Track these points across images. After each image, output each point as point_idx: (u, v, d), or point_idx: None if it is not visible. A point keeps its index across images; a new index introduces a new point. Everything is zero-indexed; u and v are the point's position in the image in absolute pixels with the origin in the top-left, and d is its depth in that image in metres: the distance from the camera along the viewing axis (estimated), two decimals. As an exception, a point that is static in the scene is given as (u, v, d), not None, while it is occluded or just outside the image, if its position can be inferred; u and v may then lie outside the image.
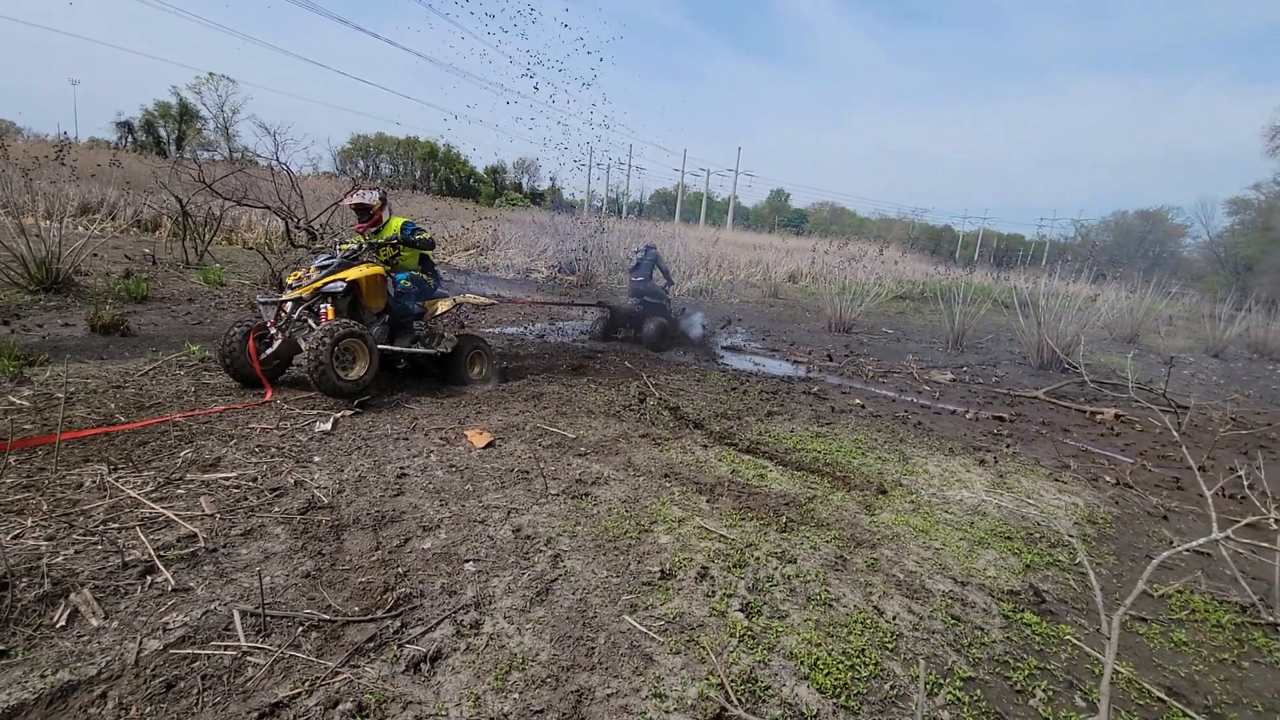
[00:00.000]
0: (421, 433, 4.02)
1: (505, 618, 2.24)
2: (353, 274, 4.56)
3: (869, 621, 2.45)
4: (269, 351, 4.42)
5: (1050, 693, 2.19)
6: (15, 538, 2.35)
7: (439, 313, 5.30)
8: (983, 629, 2.53)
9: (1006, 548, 3.27)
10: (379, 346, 4.64)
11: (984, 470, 4.51)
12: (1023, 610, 2.69)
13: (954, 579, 2.88)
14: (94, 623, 1.95)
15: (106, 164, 12.72)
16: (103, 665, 1.79)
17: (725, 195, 63.68)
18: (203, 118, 46.79)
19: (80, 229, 10.25)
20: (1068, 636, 2.54)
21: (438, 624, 2.16)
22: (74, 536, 2.39)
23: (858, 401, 6.25)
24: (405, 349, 4.93)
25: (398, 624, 2.13)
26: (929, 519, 3.51)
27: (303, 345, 4.27)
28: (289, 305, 4.45)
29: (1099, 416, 6.69)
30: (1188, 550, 3.23)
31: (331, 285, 4.47)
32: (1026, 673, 2.27)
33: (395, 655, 1.98)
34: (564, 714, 1.83)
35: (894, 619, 2.50)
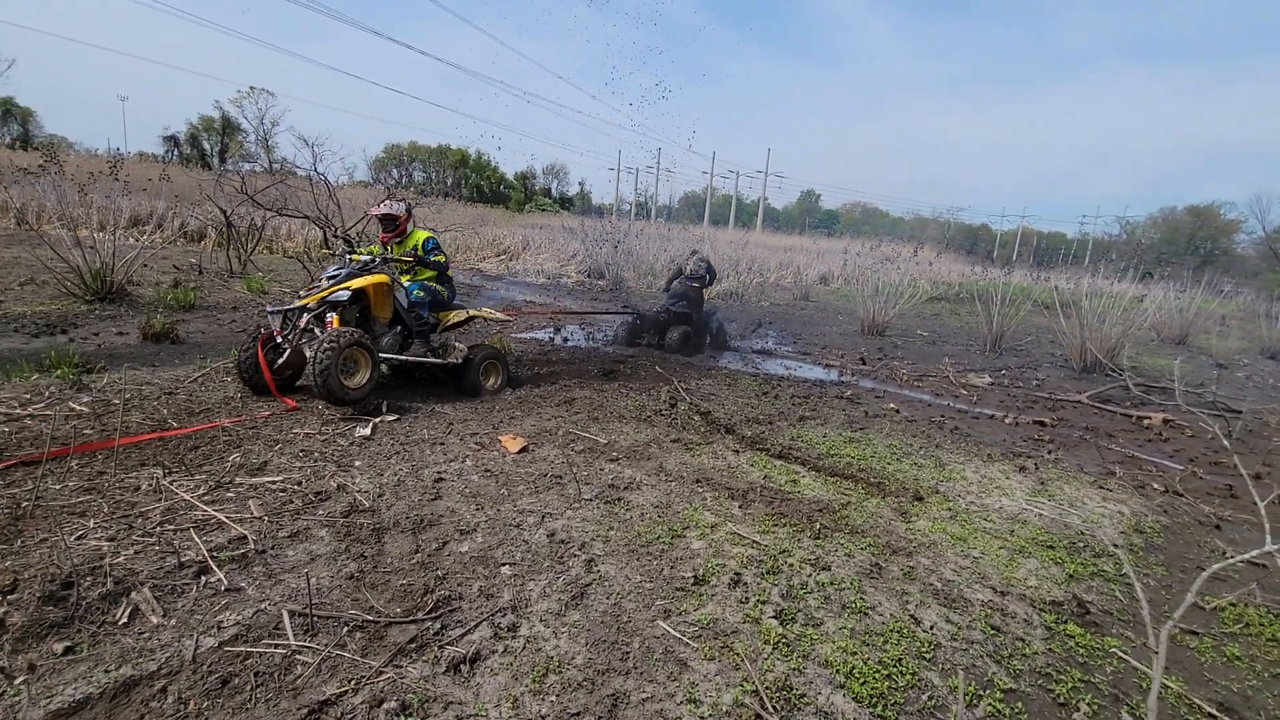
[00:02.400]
0: (457, 438, 4.10)
1: (541, 621, 2.28)
2: (358, 283, 4.61)
3: (906, 630, 2.42)
4: (280, 361, 4.50)
5: (1095, 707, 2.14)
6: (79, 538, 2.48)
7: (451, 324, 5.38)
8: (1024, 640, 2.48)
9: (1048, 557, 3.20)
10: (391, 356, 4.74)
11: (1024, 477, 4.41)
12: (1066, 622, 2.63)
13: (993, 588, 2.83)
14: (154, 620, 2.04)
15: (156, 178, 13.24)
16: (162, 661, 1.88)
17: (755, 197, 63.39)
18: (244, 131, 48.41)
19: (131, 240, 10.71)
20: (1113, 649, 2.48)
21: (476, 626, 2.21)
22: (133, 537, 2.51)
23: (892, 406, 6.17)
24: (416, 358, 4.96)
25: (438, 625, 2.19)
26: (967, 527, 3.45)
27: (306, 354, 4.30)
28: (296, 315, 4.52)
29: (1146, 421, 6.47)
30: (1241, 561, 3.12)
31: (337, 294, 4.52)
32: (1070, 686, 2.22)
33: (436, 656, 2.03)
34: (600, 717, 1.85)
35: (931, 628, 2.46)
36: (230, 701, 1.77)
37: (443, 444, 3.97)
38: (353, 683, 1.88)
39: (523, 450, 3.96)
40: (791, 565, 2.82)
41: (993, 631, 2.50)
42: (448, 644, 2.10)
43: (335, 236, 11.65)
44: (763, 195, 58.32)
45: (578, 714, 1.86)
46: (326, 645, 2.02)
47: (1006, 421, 6.06)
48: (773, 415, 5.38)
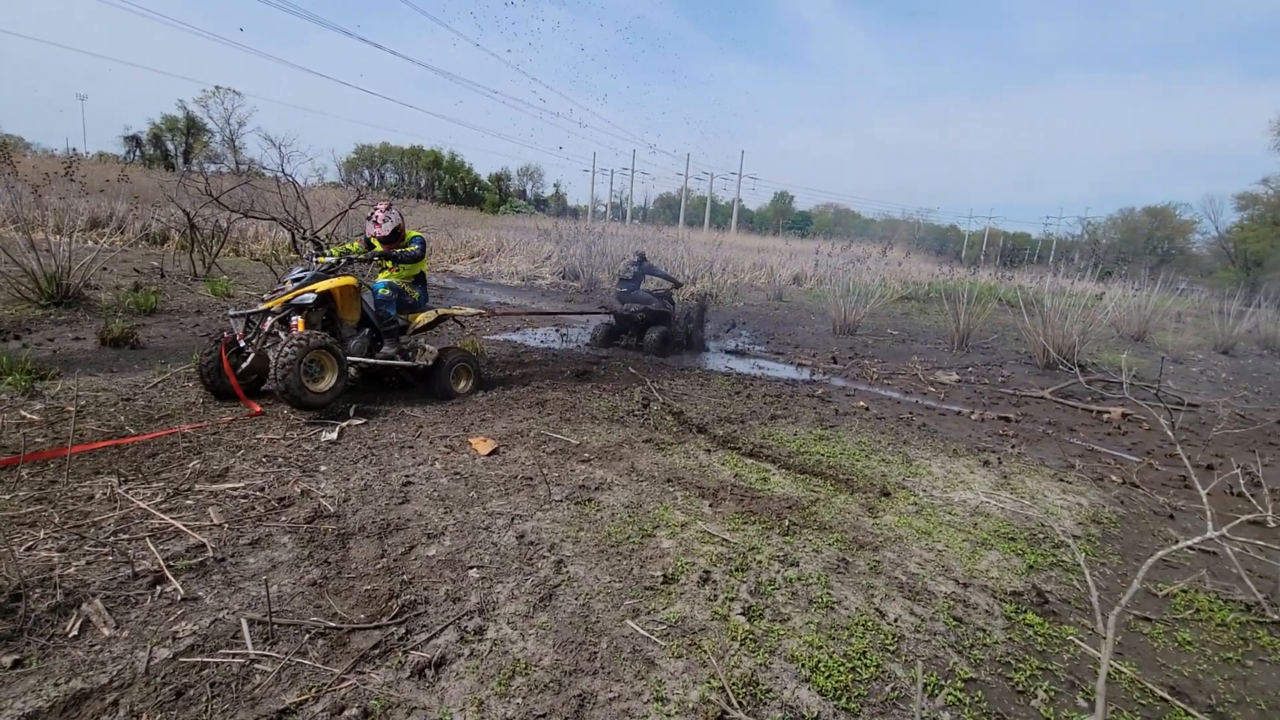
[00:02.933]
0: (426, 441, 4.06)
1: (509, 623, 2.27)
2: (324, 286, 4.52)
3: (871, 624, 2.46)
4: (244, 366, 4.41)
5: (1052, 693, 2.20)
6: (28, 549, 2.40)
7: (420, 326, 5.29)
8: (985, 630, 2.53)
9: (1009, 549, 3.28)
10: (359, 359, 4.65)
11: (988, 471, 4.51)
12: (1025, 611, 2.69)
13: (956, 580, 2.89)
14: (105, 632, 1.98)
15: (115, 178, 12.86)
16: (114, 673, 1.82)
17: (729, 199, 63.82)
18: (209, 131, 47.27)
19: (90, 243, 10.38)
20: (1070, 637, 2.55)
21: (442, 630, 2.19)
22: (85, 548, 2.44)
23: (862, 404, 6.26)
24: (384, 360, 4.87)
25: (403, 631, 2.16)
26: (932, 521, 3.51)
27: (270, 358, 4.20)
28: (260, 318, 4.42)
29: (1106, 416, 6.66)
30: (1189, 549, 3.23)
31: (302, 297, 4.42)
32: (1028, 673, 2.28)
33: (400, 661, 2.01)
34: (566, 718, 1.85)
35: (896, 621, 2.51)
36: (185, 713, 1.73)
37: (412, 447, 3.92)
38: (313, 690, 1.85)
39: (493, 453, 3.93)
40: (760, 562, 2.84)
41: (955, 622, 2.55)
42: (412, 649, 2.08)
43: (304, 239, 11.46)
44: (737, 197, 58.74)
45: (544, 715, 1.86)
46: (286, 654, 1.98)
47: (973, 418, 6.19)
48: (745, 414, 5.42)
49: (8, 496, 2.79)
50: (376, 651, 2.05)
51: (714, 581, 2.66)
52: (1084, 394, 7.70)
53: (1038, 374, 9.00)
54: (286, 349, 3.99)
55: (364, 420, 4.32)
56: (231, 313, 4.46)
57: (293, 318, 4.41)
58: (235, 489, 3.09)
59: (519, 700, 1.91)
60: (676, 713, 1.91)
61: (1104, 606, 2.80)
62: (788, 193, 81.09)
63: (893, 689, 2.12)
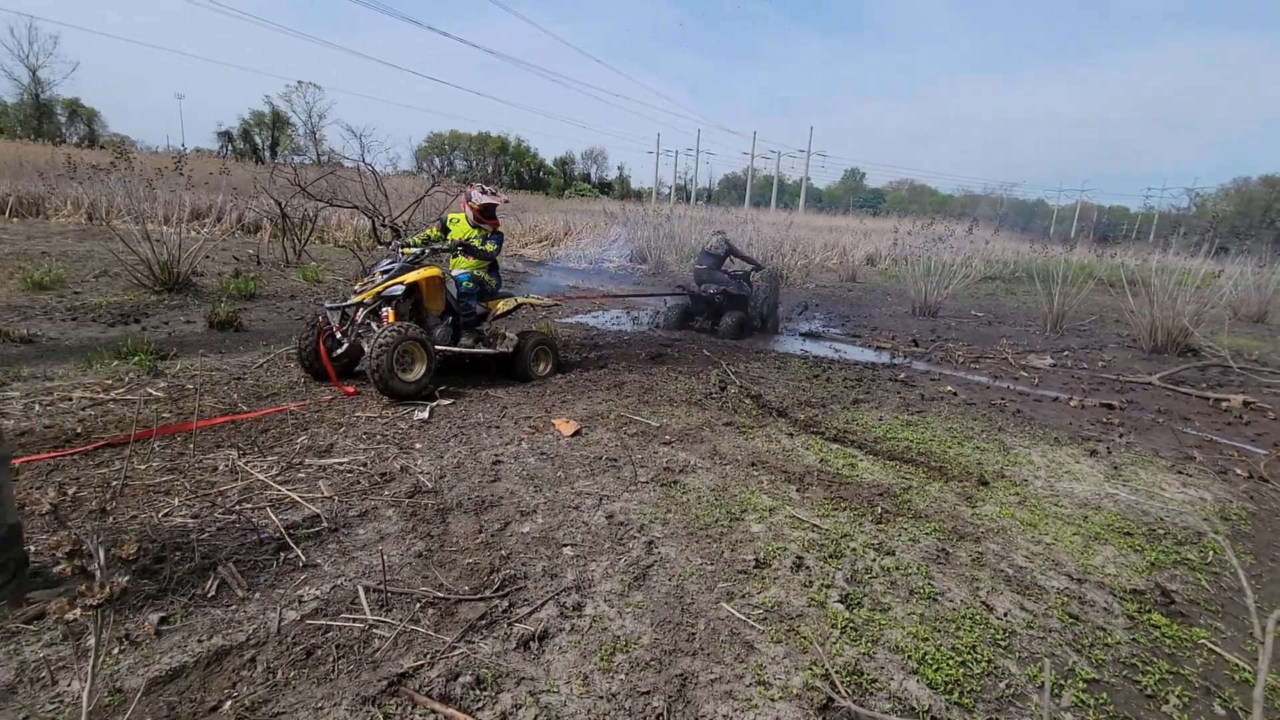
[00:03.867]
0: (511, 421, 4.15)
1: (605, 601, 2.29)
2: (411, 277, 4.67)
3: (978, 617, 2.35)
4: (338, 352, 4.58)
5: (1185, 699, 2.04)
6: (165, 515, 2.61)
7: (499, 313, 5.42)
8: (1105, 629, 2.38)
9: (1127, 544, 3.06)
10: (443, 348, 4.80)
11: (1096, 461, 4.22)
12: (1150, 611, 2.51)
13: (1069, 576, 2.72)
14: (239, 594, 2.13)
15: (217, 172, 13.73)
16: (250, 632, 1.96)
17: (797, 178, 62.13)
18: (293, 124, 49.80)
19: (192, 233, 11.17)
20: (1202, 640, 2.36)
21: (542, 605, 2.24)
22: (215, 515, 2.63)
23: (949, 388, 5.98)
24: (468, 349, 5.04)
25: (505, 604, 2.22)
26: (1037, 512, 3.32)
27: (365, 349, 4.38)
28: (353, 309, 4.61)
29: (1225, 404, 6.11)
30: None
31: (391, 289, 4.58)
32: (1157, 677, 2.12)
33: (506, 633, 2.07)
34: (670, 697, 1.86)
35: (1005, 616, 2.39)
36: (315, 672, 1.83)
37: (498, 427, 4.02)
38: (428, 657, 1.93)
39: (576, 434, 3.99)
40: (854, 550, 2.77)
41: (1071, 620, 2.41)
42: (516, 621, 2.13)
43: (383, 225, 11.95)
44: (805, 175, 57.11)
45: (647, 692, 1.87)
46: (401, 620, 2.08)
47: (1072, 404, 5.81)
48: (825, 398, 5.28)
49: (143, 467, 3.04)
50: (483, 622, 2.11)
51: (807, 568, 2.60)
52: (1198, 380, 7.09)
53: (1143, 359, 8.36)
54: (381, 340, 4.15)
55: (451, 401, 4.46)
56: (327, 305, 4.67)
57: (383, 309, 4.58)
58: (341, 464, 3.26)
59: (622, 677, 1.93)
60: (780, 697, 1.89)
61: (1241, 608, 2.59)
62: (859, 169, 78.19)
63: (1007, 686, 2.01)
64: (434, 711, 1.72)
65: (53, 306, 6.38)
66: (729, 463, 3.68)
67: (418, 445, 3.62)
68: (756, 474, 3.54)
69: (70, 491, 2.69)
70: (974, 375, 6.84)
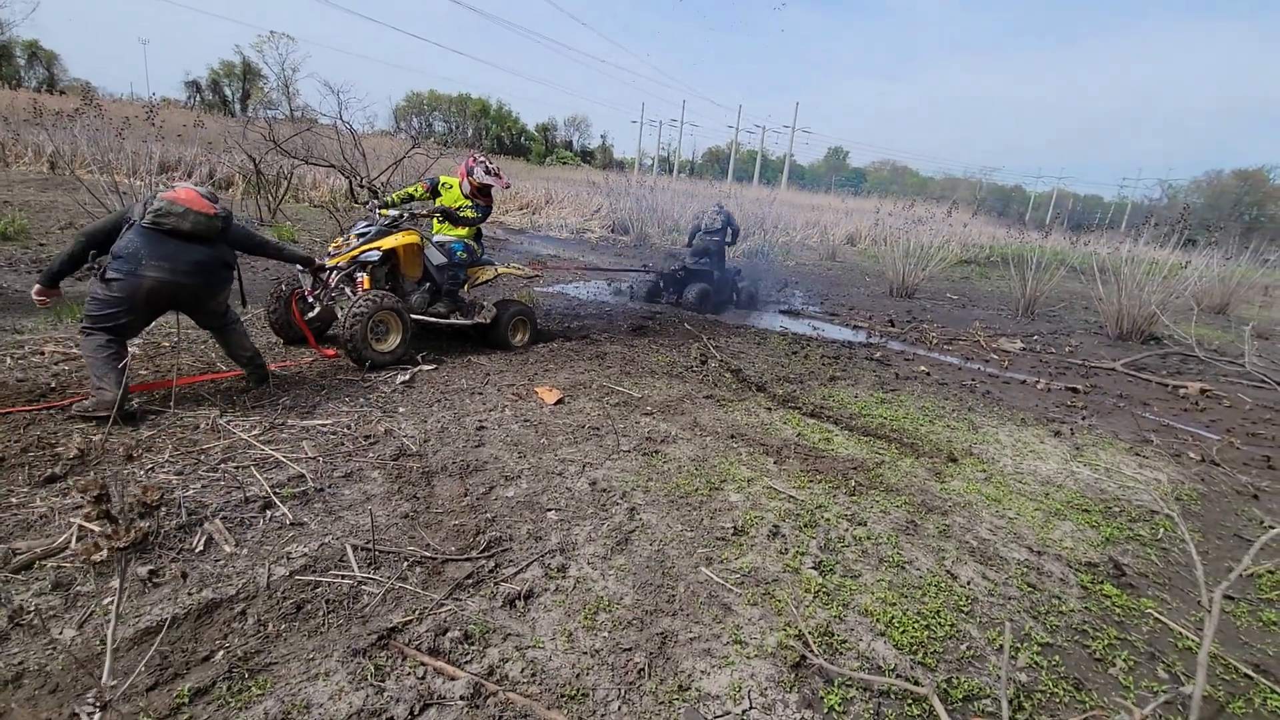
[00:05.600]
0: (494, 388, 4.17)
1: (589, 564, 2.36)
2: (388, 243, 4.53)
3: (943, 585, 2.48)
4: (310, 315, 4.51)
5: (1131, 663, 2.19)
6: (148, 471, 2.60)
7: (479, 282, 5.32)
8: (1060, 598, 2.52)
9: (1084, 520, 3.22)
10: (420, 316, 4.70)
11: (1059, 442, 4.39)
12: (1102, 582, 2.67)
13: (1029, 548, 2.86)
14: (227, 549, 2.15)
15: (191, 124, 13.22)
16: (239, 586, 1.99)
17: (781, 153, 61.86)
18: (264, 77, 47.94)
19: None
20: (1149, 610, 2.51)
21: (527, 566, 2.30)
22: (199, 473, 2.62)
23: (922, 368, 6.13)
24: (444, 320, 4.92)
25: (491, 564, 2.28)
26: (1002, 488, 3.47)
27: (338, 314, 4.29)
28: (327, 273, 4.46)
29: (1182, 391, 6.37)
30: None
31: (367, 254, 4.44)
32: (1106, 643, 2.27)
33: (492, 592, 2.13)
34: (650, 654, 1.94)
35: (968, 584, 2.51)
36: (305, 625, 1.88)
37: (481, 394, 4.04)
38: (416, 613, 1.98)
39: (559, 402, 4.02)
40: (828, 520, 2.87)
41: (1029, 589, 2.55)
42: (502, 581, 2.19)
43: (361, 186, 11.66)
44: (789, 151, 56.90)
45: (629, 649, 1.95)
46: (389, 578, 2.12)
47: (1039, 387, 6.01)
48: (803, 374, 5.38)
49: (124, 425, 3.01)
50: (470, 581, 2.17)
51: (783, 536, 2.70)
52: (1159, 368, 7.36)
53: (1108, 345, 8.63)
54: (356, 309, 4.04)
55: (434, 366, 4.46)
56: (299, 268, 4.41)
57: (358, 274, 4.46)
58: (324, 425, 3.25)
59: (605, 634, 2.00)
60: (756, 655, 1.98)
61: (1187, 581, 2.76)
62: (842, 148, 78.09)
63: (968, 648, 2.14)
64: (423, 664, 1.78)
65: (18, 258, 6.17)
66: (709, 434, 3.75)
67: (401, 409, 3.63)
68: (735, 446, 3.62)
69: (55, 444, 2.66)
70: (947, 356, 7.01)
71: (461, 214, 5.13)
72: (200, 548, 2.14)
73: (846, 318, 8.78)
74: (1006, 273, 12.34)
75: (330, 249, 4.64)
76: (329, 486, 2.66)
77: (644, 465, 3.24)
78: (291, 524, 2.35)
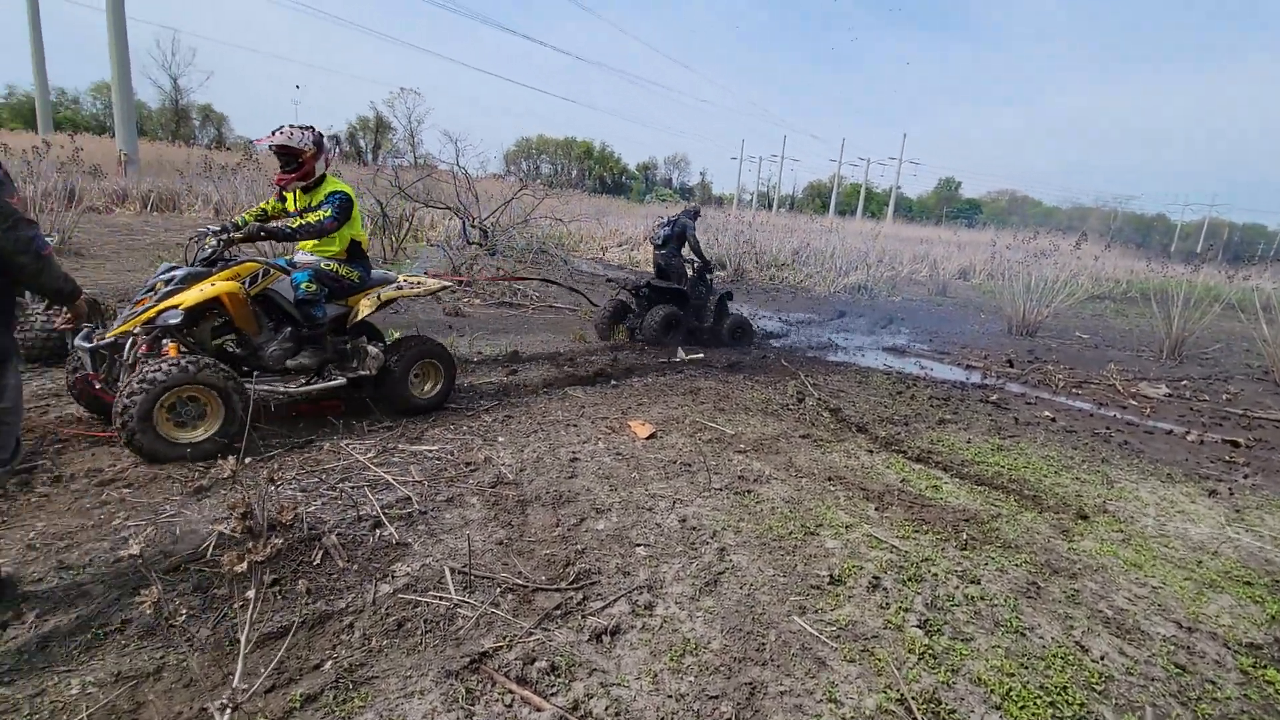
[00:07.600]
0: (589, 420, 4.26)
1: (676, 603, 2.33)
2: (191, 299, 3.17)
3: (1071, 658, 2.22)
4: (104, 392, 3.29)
5: (1313, 772, 1.85)
6: (278, 487, 2.85)
7: (365, 315, 3.85)
8: (1215, 683, 2.18)
9: (1245, 594, 2.79)
10: (265, 388, 3.51)
11: (1214, 502, 3.86)
12: (1266, 666, 2.28)
13: (1177, 623, 2.51)
14: (340, 564, 2.31)
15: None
16: (349, 601, 2.12)
17: (886, 186, 60.01)
18: (393, 128, 52.86)
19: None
20: (1336, 709, 2.12)
21: (615, 601, 2.29)
22: (320, 490, 2.86)
23: (1046, 414, 5.62)
24: (303, 389, 3.61)
25: (580, 596, 2.30)
26: (1143, 552, 3.08)
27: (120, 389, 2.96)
28: (115, 346, 3.21)
29: (1376, 448, 5.42)
30: None
31: (166, 316, 3.12)
32: (1279, 743, 1.93)
33: (580, 624, 2.14)
34: (738, 704, 1.86)
35: (1102, 659, 2.24)
36: (405, 643, 1.97)
37: (575, 426, 4.14)
38: (507, 639, 2.02)
39: (651, 436, 4.04)
40: (935, 575, 2.67)
41: (1176, 670, 2.23)
42: (589, 614, 2.20)
43: (473, 226, 12.49)
44: (896, 183, 55.06)
45: (716, 697, 1.88)
46: (483, 602, 2.19)
47: (1189, 438, 5.33)
48: (908, 416, 5.09)
49: (262, 443, 3.34)
50: (559, 612, 2.19)
51: (885, 588, 2.53)
52: (1344, 420, 6.32)
53: (1275, 393, 7.54)
54: (134, 384, 2.88)
55: (529, 400, 4.62)
56: (77, 341, 3.11)
57: (163, 341, 3.22)
58: (430, 451, 3.45)
59: (691, 679, 1.95)
60: (853, 717, 1.85)
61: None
62: (953, 179, 74.56)
63: (1101, 733, 1.89)
64: (511, 691, 1.81)
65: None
66: (805, 475, 3.62)
67: (500, 439, 3.78)
68: (833, 489, 3.47)
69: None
70: (1076, 401, 6.39)
71: (291, 226, 3.51)
72: (317, 560, 2.32)
73: (958, 356, 8.26)
74: (1147, 309, 11.16)
75: (124, 309, 3.32)
76: (431, 510, 2.80)
77: (736, 504, 3.17)
78: (397, 543, 2.50)
